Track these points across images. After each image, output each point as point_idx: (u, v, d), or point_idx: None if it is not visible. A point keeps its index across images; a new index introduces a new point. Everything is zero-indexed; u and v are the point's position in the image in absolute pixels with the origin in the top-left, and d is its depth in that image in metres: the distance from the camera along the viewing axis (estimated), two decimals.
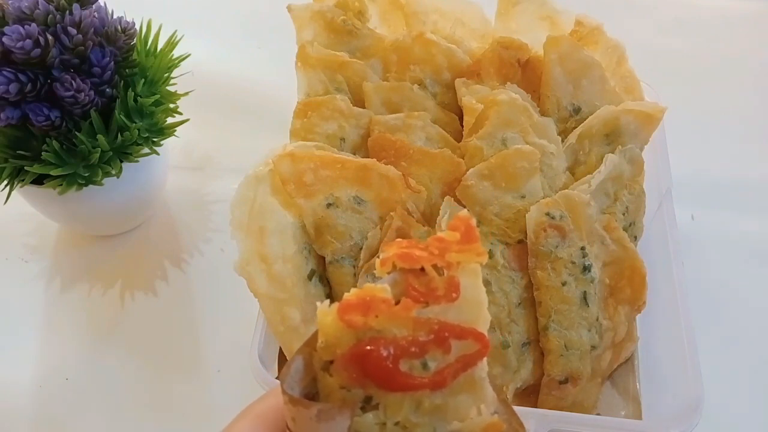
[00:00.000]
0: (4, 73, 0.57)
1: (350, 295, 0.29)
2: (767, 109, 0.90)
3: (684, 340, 0.55)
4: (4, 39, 0.56)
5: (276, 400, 0.33)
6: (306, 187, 0.56)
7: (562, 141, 0.62)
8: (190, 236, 0.76)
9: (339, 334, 0.29)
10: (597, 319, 0.57)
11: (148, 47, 0.68)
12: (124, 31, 0.63)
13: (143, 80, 0.65)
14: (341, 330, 0.29)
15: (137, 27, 0.65)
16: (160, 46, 0.69)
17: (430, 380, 0.30)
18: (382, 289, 0.29)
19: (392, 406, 0.30)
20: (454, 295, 0.30)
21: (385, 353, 0.29)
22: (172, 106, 0.68)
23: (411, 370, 0.30)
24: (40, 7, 0.58)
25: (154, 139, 0.66)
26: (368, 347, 0.29)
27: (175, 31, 0.69)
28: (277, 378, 0.53)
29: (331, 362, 0.30)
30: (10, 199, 0.64)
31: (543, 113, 0.64)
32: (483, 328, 0.31)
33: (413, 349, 0.29)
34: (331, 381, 0.30)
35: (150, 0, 0.76)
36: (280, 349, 0.59)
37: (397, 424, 0.30)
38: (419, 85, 0.66)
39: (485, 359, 0.31)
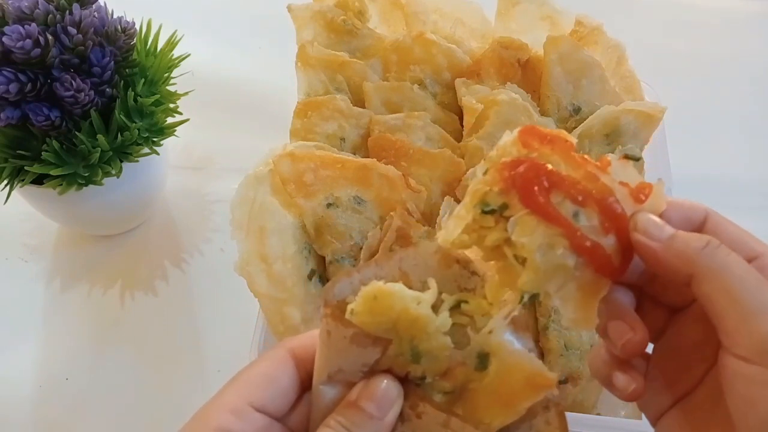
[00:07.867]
0: (4, 73, 0.57)
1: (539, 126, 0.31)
2: (767, 109, 0.90)
3: None
4: (4, 39, 0.56)
5: (311, 341, 0.33)
6: (306, 187, 0.56)
7: None
8: (190, 236, 0.76)
9: (512, 150, 0.31)
10: None
11: (148, 47, 0.68)
12: (124, 31, 0.63)
13: (143, 80, 0.65)
14: (516, 146, 0.30)
15: (137, 27, 0.65)
16: (160, 46, 0.69)
17: (573, 225, 0.29)
18: (569, 135, 0.30)
19: (523, 225, 0.30)
20: (642, 196, 0.30)
21: (543, 171, 0.29)
22: (172, 106, 0.68)
23: (559, 207, 0.29)
24: (40, 7, 0.58)
25: (154, 139, 0.66)
26: (530, 160, 0.30)
27: (175, 31, 0.69)
28: None
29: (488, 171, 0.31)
30: (10, 199, 0.64)
31: (543, 113, 0.64)
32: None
33: (572, 189, 0.29)
34: (482, 180, 0.31)
35: (150, 0, 0.76)
36: None
37: (518, 247, 0.30)
38: (419, 85, 0.66)
39: (608, 285, 0.30)
